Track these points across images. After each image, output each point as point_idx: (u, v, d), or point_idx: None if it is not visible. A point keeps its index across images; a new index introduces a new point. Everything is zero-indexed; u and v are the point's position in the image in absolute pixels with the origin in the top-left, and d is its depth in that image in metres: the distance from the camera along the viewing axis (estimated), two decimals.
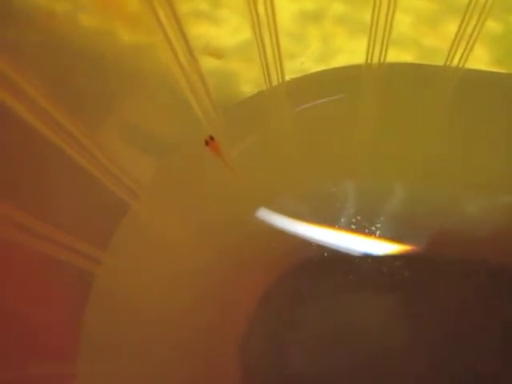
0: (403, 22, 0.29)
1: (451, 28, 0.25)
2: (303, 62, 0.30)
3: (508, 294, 0.30)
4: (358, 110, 0.28)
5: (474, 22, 0.24)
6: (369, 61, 0.26)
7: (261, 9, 0.25)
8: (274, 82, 0.28)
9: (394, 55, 0.28)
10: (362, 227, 0.31)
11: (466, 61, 0.26)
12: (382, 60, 0.26)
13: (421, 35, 0.29)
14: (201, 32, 0.29)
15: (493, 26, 0.29)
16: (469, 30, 0.24)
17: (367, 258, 0.31)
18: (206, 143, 0.27)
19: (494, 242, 0.30)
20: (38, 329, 0.25)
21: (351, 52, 0.29)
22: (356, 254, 0.31)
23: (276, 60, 0.26)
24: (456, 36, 0.25)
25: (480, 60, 0.28)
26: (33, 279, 0.26)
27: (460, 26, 0.24)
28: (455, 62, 0.26)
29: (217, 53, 0.28)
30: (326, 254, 0.31)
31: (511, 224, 0.30)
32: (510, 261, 0.30)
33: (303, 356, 0.29)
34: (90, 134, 0.25)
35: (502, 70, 0.29)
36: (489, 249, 0.30)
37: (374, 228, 0.31)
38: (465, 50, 0.25)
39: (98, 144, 0.25)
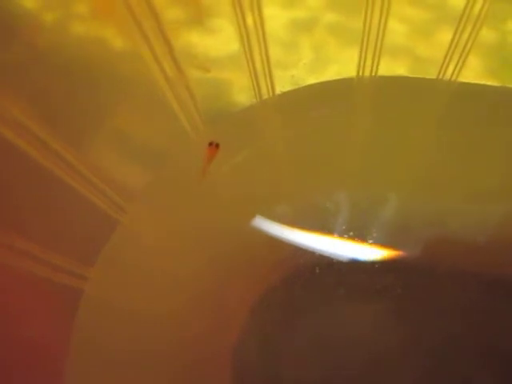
0: (397, 32, 0.29)
1: (446, 38, 0.25)
2: (294, 74, 0.29)
3: (502, 305, 0.29)
4: (350, 123, 0.28)
5: (467, 31, 0.24)
6: (360, 74, 0.26)
7: (249, 21, 0.24)
8: (265, 96, 0.27)
9: (388, 66, 0.28)
10: (355, 236, 0.31)
11: (460, 71, 0.25)
12: (373, 73, 0.26)
13: (415, 45, 0.29)
14: (189, 44, 0.28)
15: (488, 36, 0.29)
16: (463, 40, 0.24)
17: (360, 267, 0.31)
18: (210, 144, 0.27)
19: (488, 253, 0.30)
20: (25, 346, 0.25)
21: (344, 63, 0.29)
22: (349, 262, 0.31)
23: (266, 73, 0.26)
24: (450, 46, 0.24)
25: (475, 70, 0.28)
26: (19, 298, 0.25)
27: (454, 36, 0.24)
28: (449, 72, 0.25)
29: (204, 66, 0.28)
30: (319, 263, 0.30)
31: (505, 235, 0.30)
32: (504, 272, 0.30)
33: (296, 364, 0.29)
34: (75, 151, 0.24)
35: (497, 81, 0.28)
36: (482, 260, 0.30)
37: (367, 237, 0.31)
38: (459, 60, 0.25)
39: (84, 160, 0.25)
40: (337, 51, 0.30)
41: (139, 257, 0.28)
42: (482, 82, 0.28)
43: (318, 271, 0.30)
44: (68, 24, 0.28)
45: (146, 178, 0.28)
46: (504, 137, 0.27)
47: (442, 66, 0.25)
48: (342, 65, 0.29)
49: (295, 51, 0.30)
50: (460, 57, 0.25)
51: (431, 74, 0.26)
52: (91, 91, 0.26)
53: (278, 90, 0.28)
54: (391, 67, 0.28)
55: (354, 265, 0.31)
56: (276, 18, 0.30)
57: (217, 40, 0.28)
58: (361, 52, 0.25)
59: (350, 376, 0.28)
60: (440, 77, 0.26)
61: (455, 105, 0.27)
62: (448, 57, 0.25)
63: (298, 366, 0.29)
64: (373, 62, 0.26)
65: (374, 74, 0.26)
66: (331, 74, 0.29)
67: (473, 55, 0.26)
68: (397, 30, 0.29)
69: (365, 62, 0.26)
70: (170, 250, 0.29)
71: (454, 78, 0.25)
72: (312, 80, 0.29)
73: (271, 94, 0.27)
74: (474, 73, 0.28)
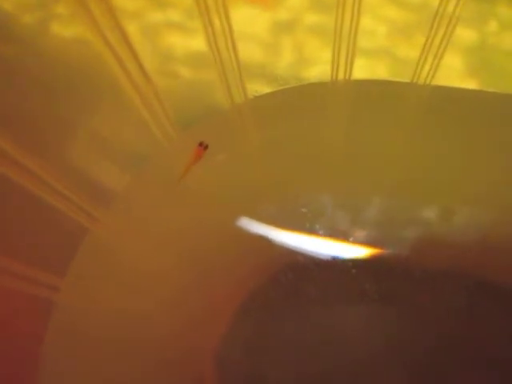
0: (374, 34, 0.28)
1: (422, 39, 0.24)
2: (277, 75, 0.29)
3: (484, 306, 0.29)
4: (327, 125, 0.27)
5: (441, 32, 0.23)
6: (334, 77, 0.25)
7: (216, 22, 0.23)
8: (238, 100, 0.26)
9: (365, 68, 0.27)
10: (340, 236, 0.31)
11: (434, 73, 0.24)
12: (347, 76, 0.25)
13: (392, 47, 0.28)
14: (158, 50, 0.28)
15: (467, 36, 0.28)
16: (436, 42, 0.23)
17: (345, 267, 0.30)
18: (200, 144, 0.27)
19: (471, 255, 0.30)
20: None
21: (325, 63, 0.28)
22: (332, 262, 0.30)
23: (237, 77, 0.25)
24: (424, 48, 0.23)
25: (455, 71, 0.27)
26: None
27: (427, 38, 0.23)
28: (424, 74, 0.25)
29: (172, 74, 0.27)
30: (303, 263, 0.30)
31: (488, 238, 0.29)
32: (486, 274, 0.29)
33: (279, 367, 0.29)
34: (41, 160, 0.24)
35: (478, 82, 0.28)
36: (465, 262, 0.30)
37: (352, 237, 0.31)
38: (433, 62, 0.24)
39: (50, 169, 0.24)
40: (318, 52, 0.29)
41: (114, 262, 0.28)
42: (464, 83, 0.28)
43: (301, 271, 0.30)
44: (46, 27, 0.28)
45: (123, 182, 0.28)
46: (482, 140, 0.27)
47: (416, 68, 0.25)
48: (323, 66, 0.28)
49: (277, 52, 0.29)
50: (434, 59, 0.24)
51: (407, 76, 0.25)
52: (54, 98, 0.26)
53: (255, 92, 0.27)
54: (368, 69, 0.28)
55: (339, 265, 0.30)
56: (257, 19, 0.30)
57: (186, 45, 0.28)
58: (333, 54, 0.25)
59: (331, 377, 0.28)
60: (415, 80, 0.25)
61: (431, 107, 0.27)
62: (423, 59, 0.24)
63: (280, 367, 0.29)
64: (346, 65, 0.25)
65: (348, 77, 0.25)
66: (313, 74, 0.28)
67: (453, 56, 0.25)
68: (374, 31, 0.28)
69: (338, 65, 0.25)
70: (147, 254, 0.28)
71: (428, 80, 0.25)
72: (293, 81, 0.28)
73: (243, 98, 0.26)
74: (455, 73, 0.27)
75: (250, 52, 0.29)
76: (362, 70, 0.27)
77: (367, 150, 0.28)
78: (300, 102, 0.28)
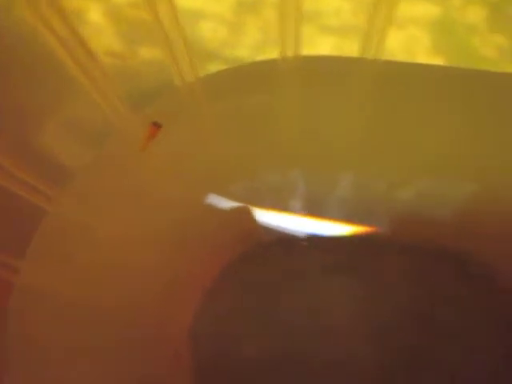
0: (326, 11, 0.28)
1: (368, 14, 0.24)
2: (240, 54, 0.28)
3: (445, 276, 0.30)
4: (279, 101, 0.27)
5: (385, 6, 0.23)
6: (283, 54, 0.25)
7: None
8: (189, 79, 0.26)
9: (317, 43, 0.27)
10: (310, 213, 0.31)
11: (383, 48, 0.24)
12: (296, 53, 0.25)
13: (345, 22, 0.28)
14: (105, 29, 0.28)
15: (431, 10, 0.28)
16: (381, 16, 0.23)
17: (316, 243, 0.31)
18: (154, 124, 0.27)
19: (451, 230, 0.30)
20: None
21: (274, 41, 0.28)
22: (305, 239, 0.31)
23: (185, 54, 0.25)
24: (371, 21, 0.23)
25: (421, 44, 0.27)
26: None
27: (373, 12, 0.23)
28: (373, 50, 0.24)
29: (120, 54, 0.27)
30: (275, 240, 0.31)
31: (468, 215, 0.30)
32: (449, 245, 0.30)
33: (255, 342, 0.29)
34: None
35: (443, 57, 0.28)
36: (445, 237, 0.30)
37: (322, 214, 0.31)
38: (381, 35, 0.24)
39: (3, 153, 0.24)
40: (266, 30, 0.29)
41: (74, 241, 0.28)
42: (427, 58, 0.28)
43: (273, 248, 0.31)
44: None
45: (79, 163, 0.28)
46: (431, 112, 0.27)
47: (365, 43, 0.25)
48: (272, 44, 0.28)
49: (241, 31, 0.29)
50: (381, 34, 0.24)
51: (356, 52, 0.25)
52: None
53: (207, 70, 0.27)
54: (319, 46, 0.27)
55: (310, 241, 0.31)
56: None
57: (137, 20, 0.27)
58: (281, 30, 0.24)
59: (306, 351, 0.29)
60: (365, 55, 0.25)
61: (380, 82, 0.27)
62: (371, 32, 0.24)
63: (255, 342, 0.29)
64: (296, 42, 0.25)
65: (297, 54, 0.25)
66: (262, 52, 0.28)
67: (415, 31, 0.25)
68: (324, 8, 0.28)
69: (285, 42, 0.25)
70: (110, 232, 0.28)
71: (378, 55, 0.25)
72: (245, 59, 0.28)
73: (194, 77, 0.26)
74: (420, 47, 0.27)
75: (203, 31, 0.29)
76: (312, 46, 0.27)
77: (322, 124, 0.28)
78: (251, 79, 0.27)
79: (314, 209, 0.31)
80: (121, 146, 0.28)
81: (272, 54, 0.27)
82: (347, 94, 0.27)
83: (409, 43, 0.28)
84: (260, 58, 0.28)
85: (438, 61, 0.28)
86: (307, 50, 0.25)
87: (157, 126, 0.27)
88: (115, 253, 0.29)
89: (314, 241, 0.31)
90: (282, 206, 0.31)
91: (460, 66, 0.27)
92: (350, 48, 0.26)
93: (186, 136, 0.29)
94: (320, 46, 0.28)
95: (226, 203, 0.30)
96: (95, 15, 0.28)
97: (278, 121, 0.28)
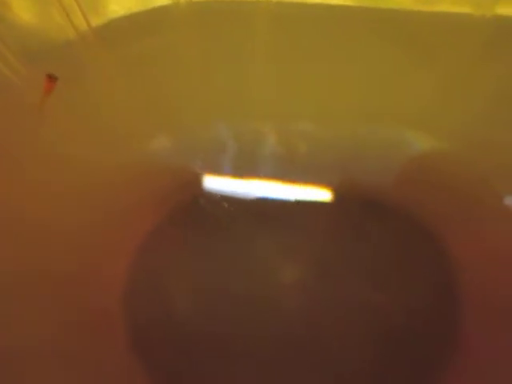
0: None
1: None
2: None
3: (381, 226, 0.30)
4: (177, 50, 0.27)
5: None
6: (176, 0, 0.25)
7: None
8: (82, 28, 0.26)
9: None
10: (244, 170, 0.31)
11: None
12: None
13: None
14: None
15: None
16: None
17: (247, 201, 0.31)
18: (49, 76, 0.26)
19: (409, 185, 0.30)
20: None
21: None
22: (240, 197, 0.31)
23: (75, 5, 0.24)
24: None
25: None
26: None
27: None
28: None
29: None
30: (205, 199, 0.30)
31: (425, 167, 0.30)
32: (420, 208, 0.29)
33: (188, 305, 0.29)
34: None
35: None
36: (401, 193, 0.30)
37: (253, 171, 0.31)
38: None
39: None
40: None
41: None
42: None
43: (204, 206, 0.30)
44: None
45: None
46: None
47: None
48: None
49: None
50: None
51: None
52: None
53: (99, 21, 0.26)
54: None
55: (242, 199, 0.31)
56: None
57: None
58: None
59: (241, 312, 0.29)
60: None
61: (278, 24, 0.26)
62: None
63: (188, 305, 0.29)
64: None
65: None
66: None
67: None
68: None
69: None
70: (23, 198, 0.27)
71: None
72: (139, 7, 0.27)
73: (86, 27, 0.26)
74: None
75: None
76: None
77: (225, 69, 0.28)
78: (147, 25, 0.27)
79: (242, 167, 0.31)
80: (14, 105, 0.27)
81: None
82: (245, 35, 0.26)
83: None
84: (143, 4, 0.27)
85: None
86: None
87: (52, 78, 0.26)
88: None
89: (243, 199, 0.31)
90: (210, 163, 0.31)
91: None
92: None
93: (88, 89, 0.28)
94: None
95: (152, 160, 0.30)
96: None
97: (182, 66, 0.28)
